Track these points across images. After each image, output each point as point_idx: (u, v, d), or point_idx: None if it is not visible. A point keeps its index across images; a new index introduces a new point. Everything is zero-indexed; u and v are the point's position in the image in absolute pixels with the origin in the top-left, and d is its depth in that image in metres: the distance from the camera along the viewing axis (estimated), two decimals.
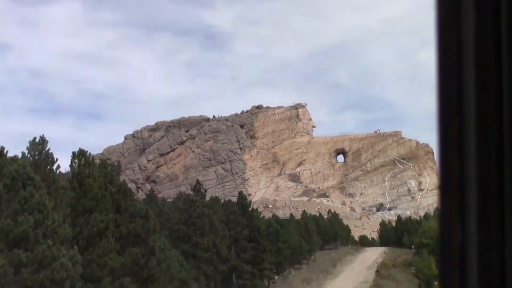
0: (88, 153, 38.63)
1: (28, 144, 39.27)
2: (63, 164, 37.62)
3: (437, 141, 1.24)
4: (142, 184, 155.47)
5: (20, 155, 38.00)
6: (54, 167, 40.05)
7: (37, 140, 39.87)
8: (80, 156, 37.76)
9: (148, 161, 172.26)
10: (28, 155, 38.75)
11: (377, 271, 65.43)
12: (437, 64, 1.28)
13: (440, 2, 1.31)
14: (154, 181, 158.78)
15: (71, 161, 37.73)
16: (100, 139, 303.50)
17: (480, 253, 1.09)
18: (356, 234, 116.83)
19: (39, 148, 39.41)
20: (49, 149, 39.75)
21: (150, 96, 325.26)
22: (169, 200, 70.66)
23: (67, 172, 39.83)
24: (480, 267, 1.11)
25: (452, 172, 1.17)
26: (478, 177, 1.14)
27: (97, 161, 42.58)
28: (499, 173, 1.15)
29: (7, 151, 34.41)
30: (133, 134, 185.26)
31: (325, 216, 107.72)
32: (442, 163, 1.22)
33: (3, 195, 28.80)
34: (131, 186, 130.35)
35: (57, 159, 40.18)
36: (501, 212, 1.12)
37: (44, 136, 39.78)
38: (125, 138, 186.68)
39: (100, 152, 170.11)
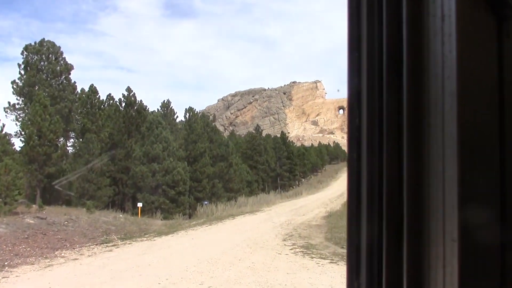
0: (194, 109, 38.57)
1: (160, 104, 39.51)
2: (181, 115, 38.11)
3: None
4: (227, 127, 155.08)
5: (156, 110, 38.18)
6: (175, 117, 40.23)
7: (165, 102, 39.99)
8: (190, 111, 37.77)
9: (231, 113, 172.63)
10: (160, 110, 38.88)
11: None
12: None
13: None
14: (234, 125, 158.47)
15: (185, 114, 37.79)
16: (204, 102, 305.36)
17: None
18: None
19: (166, 106, 39.50)
20: (172, 107, 39.91)
21: (232, 76, 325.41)
22: (242, 136, 70.48)
23: (183, 120, 39.81)
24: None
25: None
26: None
27: (200, 114, 42.58)
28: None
29: (148, 108, 34.58)
30: (222, 98, 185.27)
31: (332, 145, 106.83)
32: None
33: (145, 133, 28.96)
34: (221, 128, 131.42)
35: (176, 112, 40.43)
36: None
37: (169, 100, 39.99)
38: (218, 100, 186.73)
39: (204, 108, 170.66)
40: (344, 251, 8.69)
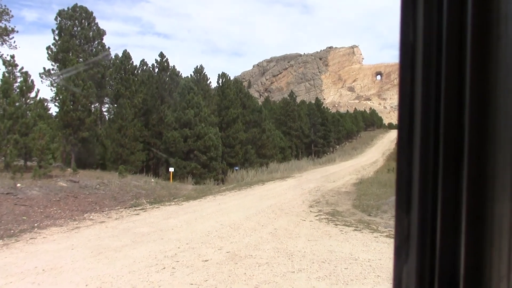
0: (227, 75, 38.38)
1: (193, 70, 39.46)
2: (214, 81, 37.89)
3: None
4: (262, 93, 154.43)
5: (189, 76, 38.16)
6: (208, 82, 40.09)
7: (198, 67, 39.87)
8: (223, 76, 37.65)
9: (266, 79, 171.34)
10: (193, 76, 38.80)
11: (396, 143, 63.59)
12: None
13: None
14: (269, 91, 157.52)
15: (218, 79, 37.66)
16: (239, 68, 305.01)
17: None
18: (386, 121, 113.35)
19: (199, 71, 39.37)
20: (204, 72, 39.63)
21: (268, 42, 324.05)
22: (277, 102, 70.04)
23: (216, 86, 39.57)
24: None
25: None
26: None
27: (233, 79, 42.45)
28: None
29: (181, 74, 34.61)
30: (257, 64, 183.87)
31: (368, 111, 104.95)
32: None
33: (176, 98, 29.02)
34: (256, 94, 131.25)
35: (210, 78, 40.22)
36: None
37: (202, 65, 39.75)
38: (253, 66, 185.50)
39: (239, 74, 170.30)
40: (371, 218, 8.47)
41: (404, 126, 0.93)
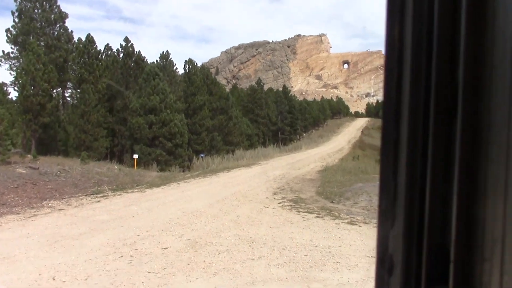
0: (194, 61, 37.89)
1: (159, 55, 38.75)
2: (181, 67, 37.16)
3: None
4: (230, 80, 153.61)
5: (155, 61, 37.53)
6: (174, 68, 39.52)
7: (164, 53, 39.24)
8: (189, 62, 37.19)
9: (234, 67, 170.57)
10: (159, 62, 38.18)
11: (362, 131, 64.32)
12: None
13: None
14: (237, 78, 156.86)
15: (184, 65, 37.17)
16: (207, 54, 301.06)
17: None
18: (353, 110, 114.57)
19: (165, 57, 38.76)
20: (171, 58, 39.05)
21: (236, 28, 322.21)
22: (245, 89, 69.83)
23: (183, 73, 38.99)
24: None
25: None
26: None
27: (200, 66, 42.04)
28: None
29: (147, 59, 33.91)
30: (225, 51, 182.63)
31: (335, 100, 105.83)
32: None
33: (142, 84, 28.49)
34: (224, 81, 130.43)
35: (176, 64, 39.69)
36: None
37: (168, 51, 39.06)
38: (221, 53, 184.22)
39: (207, 61, 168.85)
40: (333, 205, 8.47)
41: (392, 81, 0.85)
